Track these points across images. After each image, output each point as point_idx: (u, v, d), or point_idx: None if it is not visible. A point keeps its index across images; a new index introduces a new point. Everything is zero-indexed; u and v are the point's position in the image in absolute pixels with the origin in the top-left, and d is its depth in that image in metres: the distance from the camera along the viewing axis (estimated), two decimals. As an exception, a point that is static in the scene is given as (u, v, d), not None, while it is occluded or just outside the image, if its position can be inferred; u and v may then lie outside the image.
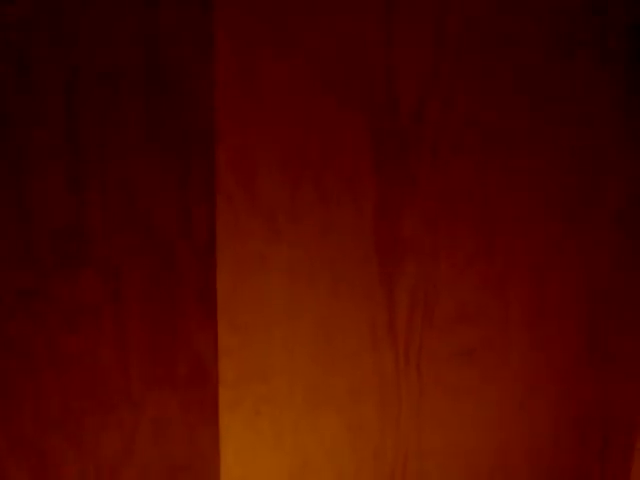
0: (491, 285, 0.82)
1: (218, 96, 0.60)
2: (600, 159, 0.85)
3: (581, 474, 0.92)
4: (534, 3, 0.76)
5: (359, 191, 0.70)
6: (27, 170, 0.63)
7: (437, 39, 0.71)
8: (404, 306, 0.75)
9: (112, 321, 0.65)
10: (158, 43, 0.61)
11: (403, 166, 0.73)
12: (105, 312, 0.65)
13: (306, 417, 0.69)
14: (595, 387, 0.89)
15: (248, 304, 0.65)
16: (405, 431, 0.76)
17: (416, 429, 0.77)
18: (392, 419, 0.75)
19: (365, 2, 0.66)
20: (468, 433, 0.81)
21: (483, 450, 0.82)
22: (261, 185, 0.65)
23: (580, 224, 0.86)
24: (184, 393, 0.64)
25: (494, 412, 0.82)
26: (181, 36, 0.60)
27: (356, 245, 0.71)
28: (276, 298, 0.67)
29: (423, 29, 0.70)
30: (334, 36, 0.65)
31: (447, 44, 0.72)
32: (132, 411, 0.65)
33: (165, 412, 0.64)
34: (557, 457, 0.88)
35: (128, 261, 0.65)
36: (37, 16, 0.60)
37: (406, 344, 0.76)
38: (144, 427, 0.64)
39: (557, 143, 0.82)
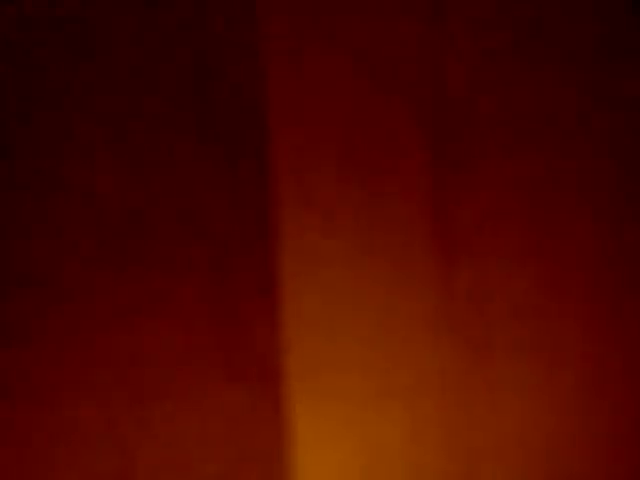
0: (545, 285, 0.81)
1: (270, 95, 0.63)
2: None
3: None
4: (578, 6, 0.79)
5: (414, 188, 0.72)
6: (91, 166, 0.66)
7: (483, 44, 0.73)
8: (462, 304, 0.75)
9: (175, 316, 0.66)
10: (207, 45, 0.64)
11: (455, 164, 0.74)
12: (167, 308, 0.66)
13: (372, 409, 0.68)
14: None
15: (310, 297, 0.66)
16: (468, 426, 0.75)
17: (479, 426, 0.76)
18: (454, 414, 0.74)
19: (413, 2, 0.69)
20: (528, 430, 0.79)
21: (541, 442, 0.80)
22: (312, 176, 0.66)
23: (629, 223, 0.86)
24: (250, 386, 0.64)
25: (549, 407, 0.81)
26: (230, 38, 0.63)
27: (414, 241, 0.72)
28: (337, 291, 0.67)
29: (472, 26, 0.73)
30: (382, 35, 0.68)
31: (496, 38, 0.74)
32: (197, 404, 0.65)
33: (232, 405, 0.64)
34: (615, 459, 0.86)
35: (187, 258, 0.66)
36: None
37: (465, 341, 0.75)
38: (212, 420, 0.64)
39: (606, 143, 0.83)
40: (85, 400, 0.67)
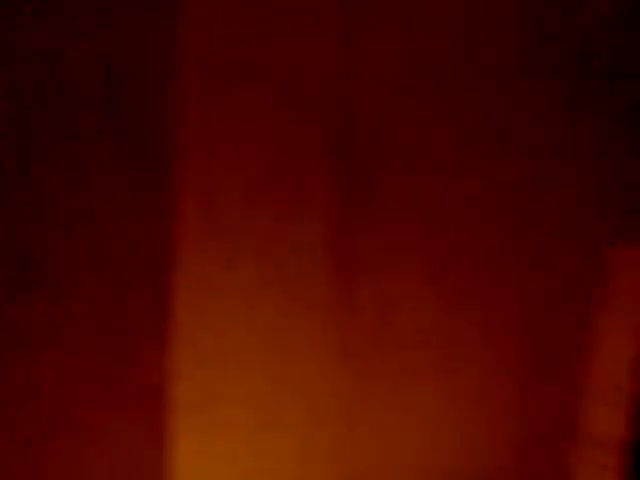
0: (445, 305, 0.83)
1: (181, 118, 0.61)
2: (541, 177, 0.88)
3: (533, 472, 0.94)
4: (487, 35, 0.78)
5: (318, 211, 0.71)
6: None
7: (395, 66, 0.73)
8: (360, 323, 0.76)
9: (66, 348, 0.65)
10: (119, 63, 0.62)
11: (360, 186, 0.74)
12: (56, 335, 0.65)
13: (261, 439, 0.69)
14: (537, 402, 0.91)
15: (204, 328, 0.66)
16: (360, 448, 0.78)
17: (371, 445, 0.78)
18: (346, 437, 0.76)
19: (324, 32, 0.68)
20: (421, 448, 0.82)
21: (435, 464, 0.84)
22: (221, 206, 0.66)
23: (525, 242, 0.88)
24: (136, 417, 0.64)
25: (444, 426, 0.84)
26: (145, 57, 0.61)
27: (314, 264, 0.72)
28: (232, 321, 0.67)
29: (380, 57, 0.72)
30: (296, 65, 0.67)
31: (403, 68, 0.74)
32: (82, 435, 0.65)
33: (118, 436, 0.65)
34: (502, 472, 0.90)
35: (81, 283, 0.65)
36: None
37: (361, 362, 0.77)
38: (96, 451, 0.65)
39: (503, 162, 0.85)
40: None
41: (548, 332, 0.90)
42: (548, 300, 0.90)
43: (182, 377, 0.64)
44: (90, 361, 0.65)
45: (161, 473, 0.63)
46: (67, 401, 0.64)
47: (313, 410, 0.73)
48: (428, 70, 0.77)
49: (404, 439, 0.80)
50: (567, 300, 0.91)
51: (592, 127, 0.87)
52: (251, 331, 0.68)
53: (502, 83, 0.80)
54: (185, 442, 0.64)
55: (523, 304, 0.88)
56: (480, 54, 0.78)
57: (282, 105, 0.67)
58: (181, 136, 0.61)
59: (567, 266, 0.90)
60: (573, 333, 0.91)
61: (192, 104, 0.61)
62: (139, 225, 0.63)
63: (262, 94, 0.65)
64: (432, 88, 0.77)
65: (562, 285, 0.90)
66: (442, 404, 0.83)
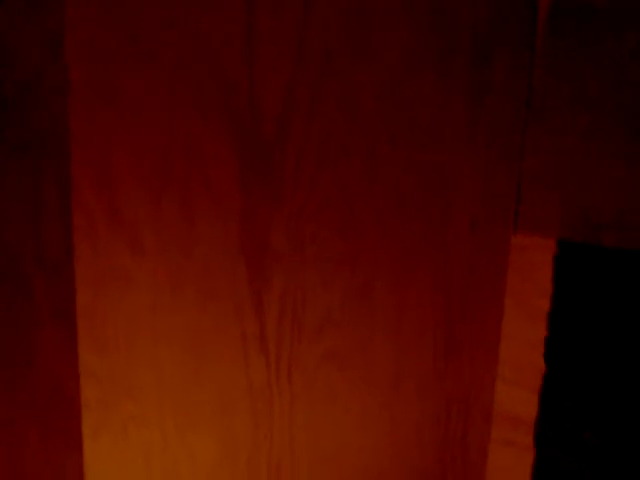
0: (356, 293, 0.84)
1: (72, 106, 0.58)
2: (450, 171, 0.90)
3: (444, 468, 0.96)
4: (389, 21, 0.80)
5: (224, 205, 0.70)
6: None
7: (298, 54, 0.73)
8: (273, 316, 0.76)
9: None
10: (5, 43, 0.58)
11: (268, 179, 0.73)
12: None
13: (176, 436, 0.67)
14: (453, 383, 0.93)
15: (111, 323, 0.63)
16: (278, 441, 0.77)
17: (289, 438, 0.77)
18: (264, 430, 0.75)
19: (224, 16, 0.66)
20: (337, 437, 0.82)
21: (351, 452, 0.84)
22: (122, 199, 0.63)
23: (436, 233, 0.90)
24: (44, 419, 0.61)
25: (361, 415, 0.84)
26: (30, 39, 0.58)
27: (223, 259, 0.71)
28: (141, 315, 0.65)
29: (284, 43, 0.72)
30: (193, 49, 0.65)
31: (307, 59, 0.74)
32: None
33: (23, 440, 0.61)
34: (421, 454, 0.91)
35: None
36: None
37: (277, 354, 0.76)
38: (10, 457, 0.60)
39: (412, 154, 0.86)
40: None
41: (460, 318, 0.93)
42: (459, 287, 0.92)
43: (91, 374, 0.60)
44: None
45: (72, 476, 0.59)
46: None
47: (230, 405, 0.71)
48: (336, 60, 0.77)
49: (325, 431, 0.80)
50: (478, 287, 0.93)
51: (490, 118, 0.91)
52: (164, 324, 0.66)
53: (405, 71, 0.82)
54: (96, 442, 0.61)
55: (435, 292, 0.90)
56: (383, 37, 0.79)
57: (182, 94, 0.65)
58: (73, 128, 0.58)
59: (474, 254, 0.93)
60: (485, 319, 0.94)
61: (80, 92, 0.59)
62: (37, 219, 0.60)
63: (166, 86, 0.63)
64: (339, 80, 0.78)
65: (472, 272, 0.93)
66: (360, 392, 0.83)
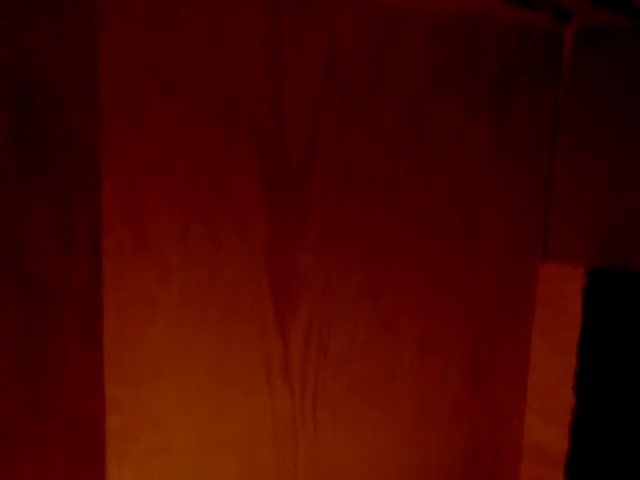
0: (381, 320, 0.83)
1: (104, 137, 0.58)
2: (476, 197, 0.89)
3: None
4: (411, 48, 0.79)
5: (250, 229, 0.70)
6: None
7: (324, 78, 0.72)
8: (298, 343, 0.74)
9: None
10: (34, 74, 0.58)
11: (294, 203, 0.73)
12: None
13: (201, 465, 0.66)
14: (481, 415, 0.91)
15: (137, 350, 0.62)
16: (303, 473, 0.75)
17: (314, 470, 0.76)
18: (289, 461, 0.74)
19: (253, 44, 0.66)
20: (363, 469, 0.80)
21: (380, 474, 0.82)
22: (150, 224, 0.63)
23: (462, 261, 0.89)
24: (68, 450, 0.60)
25: (386, 447, 0.82)
26: (62, 68, 0.58)
27: (249, 284, 0.70)
28: (166, 343, 0.64)
29: (311, 70, 0.72)
30: (222, 75, 0.65)
31: (333, 83, 0.73)
32: (9, 473, 0.59)
33: (49, 468, 0.60)
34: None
35: (3, 312, 0.60)
36: None
37: (301, 382, 0.75)
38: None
39: (437, 180, 0.86)
40: None
41: (487, 348, 0.91)
42: (486, 317, 0.91)
43: (116, 404, 0.60)
44: (12, 394, 0.59)
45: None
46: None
47: (253, 435, 0.70)
48: (362, 85, 0.77)
49: (350, 462, 0.78)
50: (505, 316, 0.92)
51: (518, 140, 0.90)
52: (188, 351, 0.65)
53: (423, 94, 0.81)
54: (120, 472, 0.60)
55: (462, 320, 0.88)
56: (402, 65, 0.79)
57: (210, 120, 0.65)
58: (104, 158, 0.58)
59: (500, 282, 0.91)
60: (512, 349, 0.92)
61: (112, 123, 0.58)
62: (62, 247, 0.59)
63: (186, 109, 0.63)
64: (365, 106, 0.77)
65: (499, 302, 0.91)
66: (385, 423, 0.82)
